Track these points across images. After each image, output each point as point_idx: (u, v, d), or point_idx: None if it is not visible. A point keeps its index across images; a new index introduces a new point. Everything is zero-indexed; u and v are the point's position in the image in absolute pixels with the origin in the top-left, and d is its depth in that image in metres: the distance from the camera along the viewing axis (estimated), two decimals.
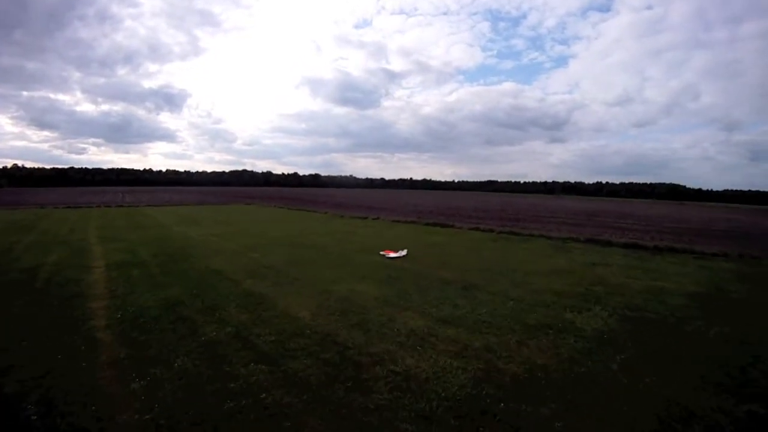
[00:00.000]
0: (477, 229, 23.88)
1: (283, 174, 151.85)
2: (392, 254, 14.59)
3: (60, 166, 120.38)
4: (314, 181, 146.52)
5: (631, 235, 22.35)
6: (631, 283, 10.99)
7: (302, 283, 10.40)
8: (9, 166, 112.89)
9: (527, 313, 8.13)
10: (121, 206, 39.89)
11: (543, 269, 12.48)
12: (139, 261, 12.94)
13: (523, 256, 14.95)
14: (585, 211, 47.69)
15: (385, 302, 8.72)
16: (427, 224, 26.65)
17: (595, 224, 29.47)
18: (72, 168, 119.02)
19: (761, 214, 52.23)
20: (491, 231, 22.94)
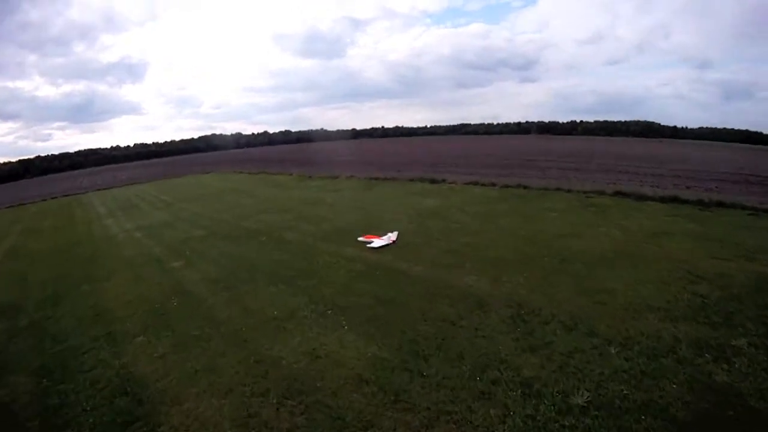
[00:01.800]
0: (475, 183, 19.38)
1: (253, 134, 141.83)
2: (377, 241, 10.02)
3: (26, 157, 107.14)
4: (284, 137, 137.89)
5: (650, 181, 18.76)
6: (729, 271, 7.04)
7: (226, 336, 5.92)
8: None
9: (667, 392, 4.03)
10: (67, 195, 34.01)
11: (601, 251, 8.43)
12: (13, 300, 8.96)
13: (556, 224, 10.80)
14: (576, 152, 43.68)
15: (384, 397, 4.32)
16: (413, 180, 21.87)
17: (600, 169, 25.61)
18: (38, 157, 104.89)
19: (744, 152, 49.65)
20: (493, 185, 18.50)
